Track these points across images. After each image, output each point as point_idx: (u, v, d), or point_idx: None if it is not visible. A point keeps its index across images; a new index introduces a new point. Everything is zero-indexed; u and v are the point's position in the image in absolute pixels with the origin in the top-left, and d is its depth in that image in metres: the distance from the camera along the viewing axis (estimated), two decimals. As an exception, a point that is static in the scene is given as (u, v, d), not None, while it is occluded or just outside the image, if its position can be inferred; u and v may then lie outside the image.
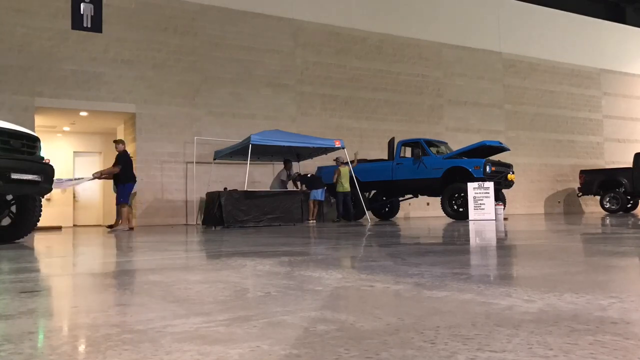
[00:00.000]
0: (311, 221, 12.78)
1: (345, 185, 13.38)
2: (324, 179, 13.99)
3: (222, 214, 10.43)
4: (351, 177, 13.43)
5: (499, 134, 20.01)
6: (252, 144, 11.35)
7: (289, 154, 13.92)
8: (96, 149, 17.07)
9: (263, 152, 13.56)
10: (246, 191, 11.09)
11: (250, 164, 12.05)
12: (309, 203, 13.10)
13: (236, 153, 12.81)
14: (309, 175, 13.69)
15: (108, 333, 1.48)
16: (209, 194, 11.56)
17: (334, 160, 14.10)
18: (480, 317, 1.57)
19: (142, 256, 4.17)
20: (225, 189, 11.94)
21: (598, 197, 17.86)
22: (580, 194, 18.24)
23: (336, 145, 12.90)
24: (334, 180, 13.50)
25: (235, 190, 11.30)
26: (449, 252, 3.78)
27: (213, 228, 10.32)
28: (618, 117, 23.37)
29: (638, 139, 23.68)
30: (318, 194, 13.26)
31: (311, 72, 16.76)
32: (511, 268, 2.83)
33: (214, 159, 13.63)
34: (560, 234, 5.84)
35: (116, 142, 10.85)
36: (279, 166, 14.79)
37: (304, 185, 13.36)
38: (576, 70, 22.47)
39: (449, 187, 12.53)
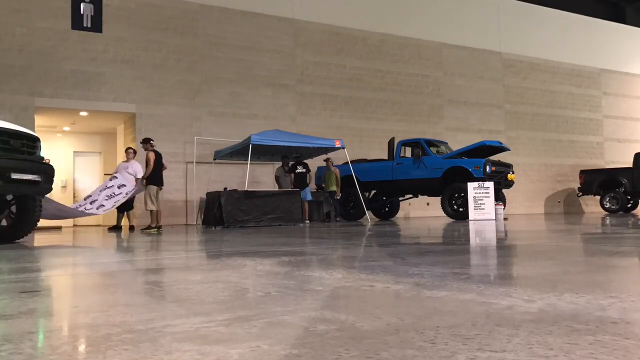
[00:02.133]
0: (306, 222, 12.44)
1: (329, 186, 13.45)
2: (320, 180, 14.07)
3: (222, 214, 10.43)
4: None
5: (499, 134, 20.01)
6: (252, 144, 11.35)
7: (289, 154, 13.92)
8: (96, 149, 17.07)
9: (263, 152, 13.56)
10: (246, 191, 11.08)
11: (250, 164, 12.04)
12: (302, 203, 12.43)
13: (236, 153, 12.80)
14: (297, 171, 13.26)
15: (108, 333, 1.48)
16: (209, 194, 11.55)
17: (324, 160, 14.05)
18: (480, 317, 1.57)
19: (143, 256, 4.17)
20: (225, 189, 11.93)
21: (598, 197, 17.85)
22: (580, 194, 18.24)
23: (336, 145, 12.89)
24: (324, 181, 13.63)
25: (235, 190, 11.29)
26: (449, 252, 3.78)
27: (213, 228, 10.32)
28: (618, 117, 23.37)
29: (638, 139, 23.67)
30: (305, 193, 12.75)
31: (311, 72, 16.75)
32: (511, 268, 2.83)
33: (214, 159, 13.62)
34: (560, 234, 5.84)
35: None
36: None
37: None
38: (576, 70, 22.46)
39: (449, 187, 12.52)
